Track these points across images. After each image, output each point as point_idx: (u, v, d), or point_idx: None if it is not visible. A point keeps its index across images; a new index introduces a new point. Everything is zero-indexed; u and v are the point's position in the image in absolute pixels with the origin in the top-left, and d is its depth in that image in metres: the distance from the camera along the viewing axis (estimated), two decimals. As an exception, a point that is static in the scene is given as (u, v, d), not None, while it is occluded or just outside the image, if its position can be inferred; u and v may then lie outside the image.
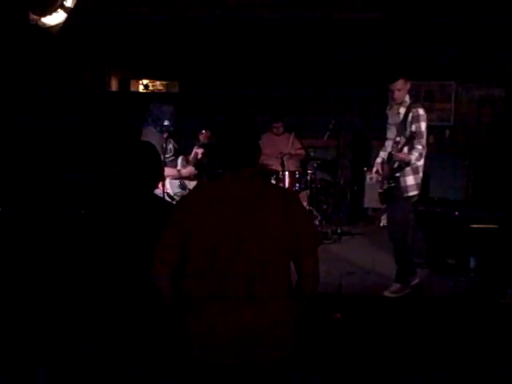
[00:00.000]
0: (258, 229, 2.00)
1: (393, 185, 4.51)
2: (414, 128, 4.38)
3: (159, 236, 2.09)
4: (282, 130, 7.00)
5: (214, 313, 1.98)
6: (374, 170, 4.80)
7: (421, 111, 4.44)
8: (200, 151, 4.70)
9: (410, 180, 4.48)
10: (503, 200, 5.88)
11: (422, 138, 4.39)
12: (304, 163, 6.86)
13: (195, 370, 2.03)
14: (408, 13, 6.42)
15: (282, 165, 6.48)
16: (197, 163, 4.67)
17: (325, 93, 7.69)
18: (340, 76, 7.62)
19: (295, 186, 6.35)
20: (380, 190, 4.71)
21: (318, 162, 6.89)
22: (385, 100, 7.68)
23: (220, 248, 2.00)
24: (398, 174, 4.47)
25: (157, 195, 4.24)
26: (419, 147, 4.35)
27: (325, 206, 6.98)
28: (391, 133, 4.69)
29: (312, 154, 6.92)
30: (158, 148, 4.22)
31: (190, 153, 4.70)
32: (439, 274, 5.19)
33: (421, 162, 4.48)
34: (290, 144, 6.74)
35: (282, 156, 6.54)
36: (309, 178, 6.54)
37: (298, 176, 6.44)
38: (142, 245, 2.34)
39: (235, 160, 2.08)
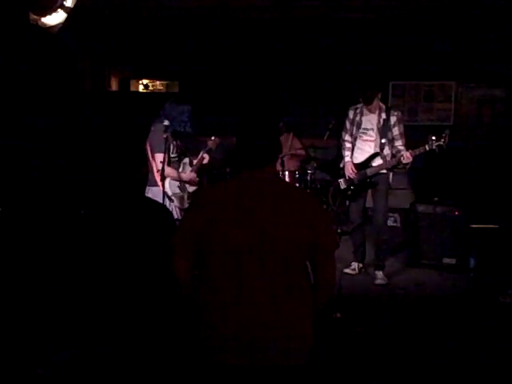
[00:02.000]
0: (276, 228, 1.96)
1: (371, 181, 4.97)
2: (399, 130, 4.88)
3: (156, 237, 2.07)
4: (282, 130, 6.98)
5: (232, 313, 1.95)
6: (350, 171, 5.06)
7: (401, 114, 5.00)
8: (207, 157, 4.66)
9: (391, 176, 5.02)
10: (503, 200, 5.89)
11: (404, 137, 4.91)
12: (304, 163, 6.84)
13: (210, 370, 1.99)
14: (408, 12, 6.43)
15: (282, 165, 6.47)
16: (200, 168, 4.63)
17: (325, 92, 7.68)
18: (340, 75, 7.62)
19: (295, 186, 6.34)
20: (347, 187, 5.15)
21: (318, 161, 6.88)
22: (385, 100, 7.74)
23: (238, 247, 1.95)
24: (384, 171, 4.94)
25: (149, 198, 4.24)
26: (404, 147, 4.82)
27: (325, 206, 6.96)
28: (368, 136, 5.00)
29: (312, 154, 6.91)
30: (162, 146, 4.21)
31: (192, 155, 4.67)
32: (439, 273, 5.19)
33: None
34: (290, 144, 6.73)
35: (282, 156, 6.52)
36: (309, 177, 6.53)
37: (297, 176, 6.43)
38: (140, 244, 2.34)
39: (253, 159, 2.03)
